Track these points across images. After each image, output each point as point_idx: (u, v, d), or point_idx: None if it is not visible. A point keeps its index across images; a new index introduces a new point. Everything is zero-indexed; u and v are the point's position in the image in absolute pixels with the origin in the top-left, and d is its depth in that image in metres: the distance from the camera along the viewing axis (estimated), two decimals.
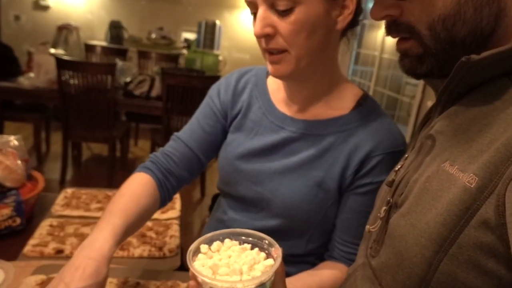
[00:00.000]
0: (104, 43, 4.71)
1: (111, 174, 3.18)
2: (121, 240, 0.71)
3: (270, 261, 0.55)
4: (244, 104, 0.91)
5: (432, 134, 0.55)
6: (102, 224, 0.72)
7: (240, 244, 0.59)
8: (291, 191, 0.82)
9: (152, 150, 3.34)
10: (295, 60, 0.74)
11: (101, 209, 1.13)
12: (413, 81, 3.48)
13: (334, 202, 0.83)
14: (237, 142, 0.90)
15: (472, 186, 0.43)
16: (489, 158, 0.43)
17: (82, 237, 0.98)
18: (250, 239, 0.60)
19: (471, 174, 0.44)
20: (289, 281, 0.75)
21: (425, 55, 0.52)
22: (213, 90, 0.97)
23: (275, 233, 0.86)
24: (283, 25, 0.70)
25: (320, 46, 0.75)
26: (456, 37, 0.49)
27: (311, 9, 0.69)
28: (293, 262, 0.89)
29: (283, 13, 0.69)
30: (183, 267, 1.03)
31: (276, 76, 0.78)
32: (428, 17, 0.50)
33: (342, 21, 0.74)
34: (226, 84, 0.95)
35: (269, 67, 0.77)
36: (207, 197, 3.34)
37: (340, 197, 0.84)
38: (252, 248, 0.58)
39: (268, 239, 0.59)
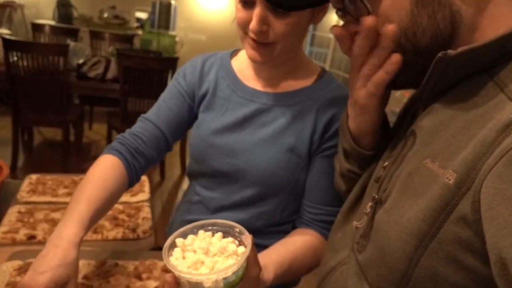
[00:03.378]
0: (52, 22, 4.47)
1: (66, 159, 3.09)
2: (88, 226, 0.74)
3: (241, 249, 0.60)
4: (211, 84, 0.96)
5: (413, 130, 0.56)
6: (68, 213, 0.74)
7: (213, 234, 0.63)
8: (265, 159, 0.88)
9: (109, 134, 3.27)
10: (279, 50, 0.82)
11: (69, 194, 1.13)
12: None
13: (305, 166, 0.90)
14: (209, 119, 0.95)
15: (451, 182, 0.44)
16: (467, 154, 0.43)
17: (53, 222, 0.98)
18: (221, 228, 0.64)
19: (450, 171, 0.44)
20: (264, 254, 0.80)
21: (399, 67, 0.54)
22: (178, 74, 1.01)
23: (251, 204, 0.92)
24: (279, 25, 0.77)
25: (301, 38, 0.87)
26: (419, 46, 0.51)
27: (303, 13, 0.78)
28: (271, 233, 0.95)
29: (281, 15, 0.76)
30: (158, 248, 1.06)
31: (256, 61, 0.83)
32: None
33: (319, 18, 0.84)
34: (192, 67, 1.00)
35: (250, 52, 0.83)
36: (167, 180, 3.34)
37: (309, 161, 0.91)
38: (224, 237, 0.63)
39: (238, 227, 0.63)
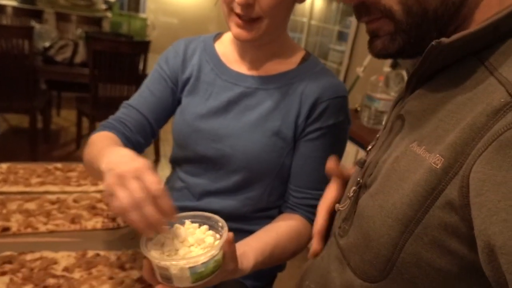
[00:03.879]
0: (14, 3, 4.25)
1: (34, 147, 2.97)
2: None
3: (218, 238, 0.63)
4: (195, 68, 0.94)
5: (402, 114, 0.54)
6: (103, 153, 0.69)
7: (199, 226, 0.66)
8: (251, 143, 0.87)
9: (79, 120, 3.16)
10: (265, 27, 0.79)
11: (42, 183, 1.08)
12: (339, 47, 3.62)
13: (290, 150, 0.89)
14: (194, 104, 0.93)
15: (438, 166, 0.43)
16: (455, 138, 0.42)
17: (27, 213, 0.93)
18: (204, 220, 0.67)
19: (437, 155, 0.43)
20: (244, 242, 0.79)
21: (397, 32, 0.50)
22: (161, 59, 0.98)
23: (238, 189, 0.91)
24: None
25: (286, 16, 0.86)
26: (428, 8, 0.47)
27: None
28: (259, 218, 0.94)
29: None
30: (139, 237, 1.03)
31: (242, 39, 0.81)
32: None
33: None
34: (174, 51, 0.97)
35: (235, 30, 0.80)
36: (162, 161, 3.28)
37: (294, 145, 0.90)
38: (208, 230, 0.65)
39: (221, 221, 0.65)
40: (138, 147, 0.92)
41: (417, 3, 0.47)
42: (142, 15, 4.41)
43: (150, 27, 4.27)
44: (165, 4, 5.06)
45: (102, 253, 0.82)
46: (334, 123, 0.87)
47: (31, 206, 0.97)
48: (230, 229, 0.92)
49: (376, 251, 0.50)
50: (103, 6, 4.74)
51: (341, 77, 3.21)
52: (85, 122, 3.06)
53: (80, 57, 2.97)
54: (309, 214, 0.89)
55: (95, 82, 2.81)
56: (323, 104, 0.86)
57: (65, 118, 3.96)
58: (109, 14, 4.45)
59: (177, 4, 4.99)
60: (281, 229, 0.86)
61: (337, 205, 0.65)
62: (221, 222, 0.65)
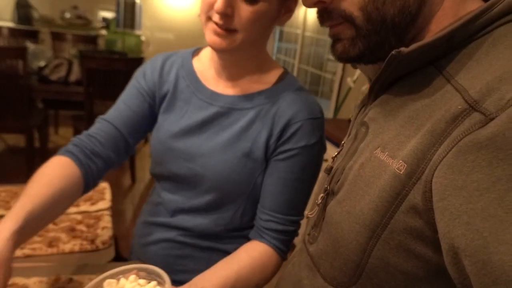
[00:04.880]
0: (11, 24, 4.30)
1: (30, 166, 2.98)
2: (26, 220, 0.66)
3: None
4: (171, 85, 0.92)
5: (365, 121, 0.56)
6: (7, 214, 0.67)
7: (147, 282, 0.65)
8: (221, 164, 0.85)
9: None
10: (240, 40, 0.78)
11: None
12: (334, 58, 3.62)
13: (262, 171, 0.88)
14: (169, 122, 0.91)
15: (401, 172, 0.44)
16: (417, 144, 0.43)
17: None
18: (149, 275, 0.66)
19: (400, 161, 0.44)
20: (205, 277, 0.77)
21: (357, 37, 0.52)
22: (138, 73, 0.97)
23: (210, 209, 0.90)
24: (245, 11, 0.75)
25: (262, 35, 0.84)
26: (386, 16, 0.49)
27: (271, 5, 0.77)
28: (233, 237, 0.92)
29: (249, 1, 0.74)
30: (118, 258, 1.02)
31: (216, 47, 0.79)
32: None
33: (283, 20, 0.83)
34: (152, 66, 0.96)
35: (210, 37, 0.79)
36: (138, 183, 3.27)
37: (267, 165, 0.88)
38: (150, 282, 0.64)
39: (164, 276, 0.64)
40: (109, 162, 0.89)
41: (376, 10, 0.49)
42: (137, 32, 4.45)
43: (145, 44, 4.30)
44: (160, 21, 5.11)
45: (75, 277, 0.81)
46: (305, 144, 0.84)
47: None
48: (203, 247, 0.92)
49: (345, 257, 0.51)
50: (100, 25, 4.80)
51: (336, 87, 3.21)
52: None
53: (75, 75, 2.99)
54: (274, 240, 0.86)
55: (90, 99, 2.83)
56: (295, 124, 0.84)
57: (62, 136, 3.97)
58: (104, 32, 4.50)
59: (172, 21, 5.04)
60: (243, 261, 0.83)
61: (305, 212, 0.67)
62: (165, 277, 0.64)
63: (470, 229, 0.36)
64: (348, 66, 3.12)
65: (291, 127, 0.84)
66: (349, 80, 2.57)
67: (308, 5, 0.55)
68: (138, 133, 0.94)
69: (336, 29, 0.54)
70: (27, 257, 0.88)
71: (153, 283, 0.63)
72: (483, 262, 0.35)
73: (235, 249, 0.92)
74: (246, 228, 0.93)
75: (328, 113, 3.37)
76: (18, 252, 0.88)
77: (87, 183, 0.84)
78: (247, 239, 0.91)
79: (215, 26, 0.77)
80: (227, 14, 0.74)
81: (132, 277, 0.64)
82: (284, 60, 4.80)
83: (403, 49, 0.47)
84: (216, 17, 0.75)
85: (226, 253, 0.92)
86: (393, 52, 0.47)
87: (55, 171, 0.79)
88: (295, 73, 4.31)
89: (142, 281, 0.64)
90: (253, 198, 0.89)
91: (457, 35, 0.46)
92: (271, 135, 0.85)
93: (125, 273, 0.65)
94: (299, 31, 4.15)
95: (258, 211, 0.89)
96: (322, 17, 0.55)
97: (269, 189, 0.87)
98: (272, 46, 4.86)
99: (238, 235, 0.93)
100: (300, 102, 0.86)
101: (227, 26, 0.76)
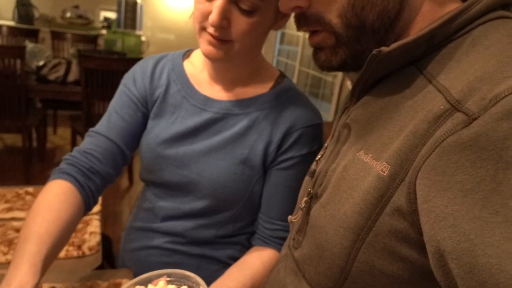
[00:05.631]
0: (11, 23, 4.29)
1: (28, 166, 2.96)
2: (43, 268, 0.64)
3: None
4: (163, 89, 0.88)
5: (348, 123, 0.55)
6: (17, 255, 0.64)
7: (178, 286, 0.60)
8: (217, 171, 0.82)
9: (73, 138, 3.15)
10: (235, 51, 0.75)
11: (9, 209, 1.04)
12: None
13: (260, 178, 0.85)
14: (159, 128, 0.87)
15: (385, 174, 0.44)
16: (400, 146, 0.43)
17: None
18: (178, 279, 0.60)
19: (384, 162, 0.44)
20: (221, 283, 0.76)
21: (338, 45, 0.51)
22: (127, 79, 0.92)
23: (203, 215, 0.87)
24: (241, 23, 0.71)
25: (260, 41, 0.82)
26: (365, 22, 0.48)
27: (267, 16, 0.73)
28: (223, 244, 0.90)
29: (245, 13, 0.70)
30: (111, 262, 1.00)
31: (211, 57, 0.76)
32: (337, 4, 0.49)
33: (280, 25, 0.80)
34: (141, 71, 0.91)
35: (204, 47, 0.75)
36: (136, 184, 3.25)
37: (265, 173, 0.85)
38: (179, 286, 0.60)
39: (196, 278, 0.59)
40: (107, 179, 0.85)
41: (356, 16, 0.48)
42: (139, 32, 4.43)
43: (145, 44, 4.28)
44: (161, 21, 5.10)
45: (58, 285, 0.78)
46: (308, 152, 0.83)
47: None
48: (192, 255, 0.89)
49: (329, 261, 0.50)
50: (100, 24, 4.79)
51: (336, 90, 3.19)
52: (80, 140, 3.06)
53: (73, 75, 2.96)
54: (281, 247, 0.83)
55: (87, 100, 2.80)
56: (296, 132, 0.82)
57: (61, 136, 3.95)
58: (104, 32, 4.48)
59: (173, 21, 5.03)
60: (255, 265, 0.82)
61: (289, 216, 0.65)
62: (197, 279, 0.59)
63: (456, 231, 0.36)
64: None
65: (291, 135, 0.82)
66: (347, 83, 2.54)
67: (286, 10, 0.54)
68: (134, 143, 0.90)
69: (317, 38, 0.54)
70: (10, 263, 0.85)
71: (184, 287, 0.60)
72: (470, 265, 0.34)
73: (225, 256, 0.90)
74: (237, 234, 0.90)
75: (329, 116, 3.34)
76: (1, 258, 0.85)
77: (88, 205, 0.81)
78: (238, 245, 0.89)
79: (209, 37, 0.73)
80: (222, 26, 0.71)
81: (162, 282, 0.61)
82: (285, 62, 4.77)
83: (383, 48, 0.46)
84: (211, 29, 0.72)
85: (216, 260, 0.89)
86: (373, 51, 0.47)
87: (59, 202, 0.74)
88: (295, 76, 4.29)
89: (172, 287, 0.60)
90: (249, 206, 0.87)
91: (437, 34, 0.46)
92: (270, 142, 0.83)
93: (153, 280, 0.61)
94: (300, 33, 4.12)
95: (262, 220, 0.87)
96: (299, 22, 0.55)
97: (273, 197, 0.85)
98: (273, 48, 4.84)
99: (229, 241, 0.90)
100: (299, 108, 0.84)
101: (222, 37, 0.73)
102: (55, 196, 0.75)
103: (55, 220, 0.70)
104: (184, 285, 0.60)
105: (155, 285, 0.60)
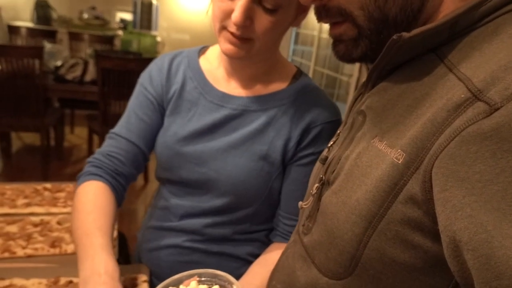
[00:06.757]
0: (30, 24, 4.37)
1: (46, 165, 3.01)
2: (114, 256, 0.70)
3: None
4: (178, 86, 0.88)
5: (363, 110, 0.54)
6: (87, 249, 0.69)
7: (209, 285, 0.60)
8: (237, 168, 0.82)
9: (90, 137, 3.19)
10: (256, 48, 0.76)
11: (28, 205, 1.06)
12: None
13: (279, 174, 0.84)
14: (176, 125, 0.87)
15: (399, 162, 0.43)
16: (416, 133, 0.42)
17: (7, 236, 0.91)
18: (212, 278, 0.61)
19: (399, 150, 0.43)
20: (246, 281, 0.76)
21: (360, 37, 0.51)
22: (144, 78, 0.92)
23: (222, 212, 0.87)
24: (264, 21, 0.71)
25: (278, 38, 0.81)
26: (388, 15, 0.48)
27: (288, 13, 0.74)
28: (242, 241, 0.89)
29: (268, 11, 0.71)
30: (120, 260, 1.00)
31: (231, 55, 0.76)
32: None
33: (299, 21, 0.80)
34: (157, 69, 0.91)
35: (224, 45, 0.75)
36: (151, 183, 3.27)
37: (284, 169, 0.85)
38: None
39: (229, 277, 0.59)
40: (130, 179, 0.89)
41: (378, 9, 0.47)
42: (154, 32, 4.47)
43: (161, 44, 4.32)
44: (177, 22, 5.13)
45: (75, 280, 0.79)
46: None
47: (12, 229, 0.95)
48: (212, 253, 0.89)
49: (340, 248, 0.50)
50: (116, 25, 4.84)
51: (352, 89, 3.16)
52: (96, 139, 3.09)
53: (90, 75, 3.00)
54: None
55: (104, 99, 2.83)
56: (316, 128, 0.82)
57: (78, 135, 4.01)
58: (120, 32, 4.53)
59: (188, 21, 5.06)
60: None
61: (300, 202, 0.64)
62: (232, 279, 0.59)
63: (472, 222, 0.35)
64: (365, 67, 3.06)
65: (311, 131, 0.82)
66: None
67: (307, 2, 0.54)
68: (153, 142, 0.92)
69: (338, 30, 0.53)
70: (29, 257, 0.86)
71: (215, 287, 0.60)
72: (486, 256, 0.34)
73: (244, 253, 0.89)
74: (256, 231, 0.90)
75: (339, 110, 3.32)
76: (20, 252, 0.86)
77: (119, 202, 0.87)
78: (257, 241, 0.89)
79: (230, 35, 0.73)
80: (245, 26, 0.71)
81: (193, 283, 0.61)
82: (300, 62, 4.75)
83: (404, 34, 0.45)
84: (232, 28, 0.72)
85: (235, 257, 0.89)
86: (394, 36, 0.46)
87: (102, 199, 0.80)
88: (310, 76, 4.26)
89: (203, 287, 0.60)
90: (268, 202, 0.86)
91: (461, 21, 0.45)
92: (289, 138, 0.82)
93: (183, 280, 0.62)
94: (315, 33, 4.10)
95: (281, 217, 0.86)
96: (320, 13, 0.54)
97: (293, 194, 0.84)
98: (288, 48, 4.82)
99: (248, 238, 0.90)
100: (318, 104, 0.83)
101: (244, 36, 0.73)
102: (97, 196, 0.80)
103: (105, 216, 0.77)
104: (216, 284, 0.60)
105: (187, 285, 0.60)
